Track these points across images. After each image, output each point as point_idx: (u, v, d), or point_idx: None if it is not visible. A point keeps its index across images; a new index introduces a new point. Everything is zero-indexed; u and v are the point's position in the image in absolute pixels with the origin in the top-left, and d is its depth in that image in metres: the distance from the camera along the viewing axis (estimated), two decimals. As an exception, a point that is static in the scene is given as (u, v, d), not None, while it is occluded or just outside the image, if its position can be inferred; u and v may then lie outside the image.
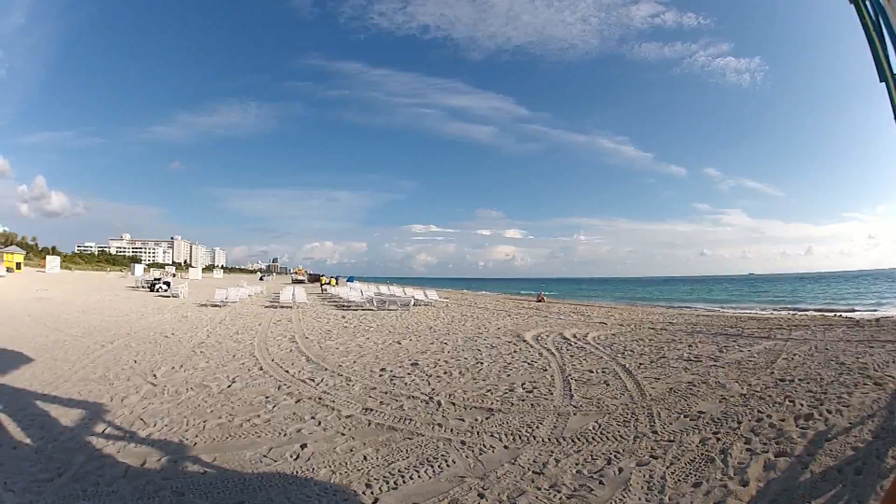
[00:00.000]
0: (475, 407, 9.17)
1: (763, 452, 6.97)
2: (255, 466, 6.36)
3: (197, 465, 6.37)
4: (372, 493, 5.68)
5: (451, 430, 7.88)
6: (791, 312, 35.92)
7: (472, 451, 6.95)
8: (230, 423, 7.83)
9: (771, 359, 14.14)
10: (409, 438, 7.43)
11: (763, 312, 37.42)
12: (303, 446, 7.00)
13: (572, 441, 7.44)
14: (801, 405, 9.20)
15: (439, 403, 9.31)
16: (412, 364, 13.17)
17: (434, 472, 6.27)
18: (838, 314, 31.42)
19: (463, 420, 8.37)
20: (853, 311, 37.60)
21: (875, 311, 36.96)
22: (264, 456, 6.67)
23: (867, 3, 4.13)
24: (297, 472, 6.19)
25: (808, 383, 10.97)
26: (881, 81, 6.51)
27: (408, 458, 6.68)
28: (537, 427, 8.03)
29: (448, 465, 6.46)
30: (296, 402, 9.04)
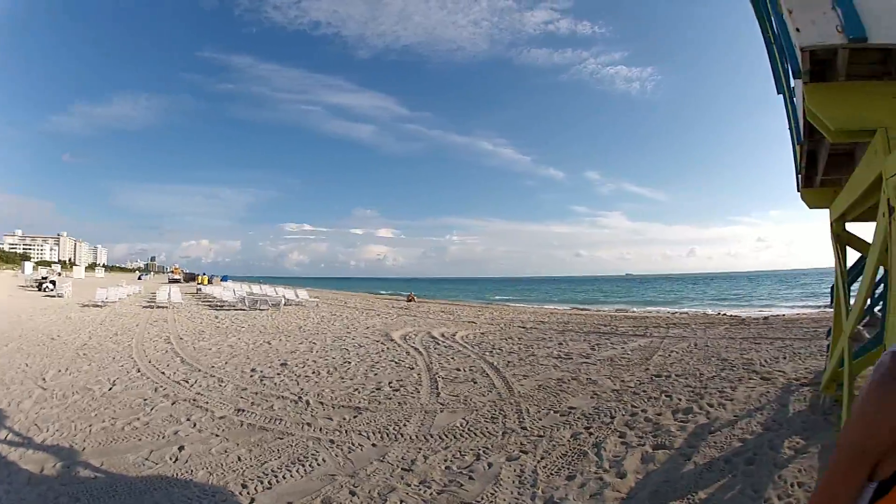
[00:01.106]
0: (343, 406, 9.29)
1: (639, 445, 7.19)
2: (138, 470, 6.30)
3: (88, 471, 6.30)
4: (248, 493, 5.71)
5: (321, 429, 7.97)
6: (671, 311, 37.28)
7: (342, 450, 7.03)
8: (113, 427, 7.76)
9: (646, 356, 14.67)
10: (281, 438, 7.50)
11: (640, 311, 38.59)
12: (180, 448, 6.97)
13: (440, 438, 7.60)
14: (679, 399, 9.55)
15: (308, 403, 9.42)
16: (282, 364, 13.30)
17: (305, 470, 6.35)
18: (722, 313, 32.94)
19: (331, 419, 8.47)
20: (738, 309, 39.62)
21: (763, 310, 38.78)
22: (146, 459, 6.62)
23: (773, 19, 4.44)
24: (177, 475, 6.14)
25: (686, 378, 11.41)
26: (779, 94, 6.80)
27: (280, 457, 6.75)
28: (405, 425, 8.20)
29: (319, 464, 6.54)
30: (172, 405, 8.97)
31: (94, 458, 6.62)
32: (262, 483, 5.98)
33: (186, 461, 6.55)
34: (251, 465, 6.45)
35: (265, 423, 8.17)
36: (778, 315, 29.24)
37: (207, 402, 9.13)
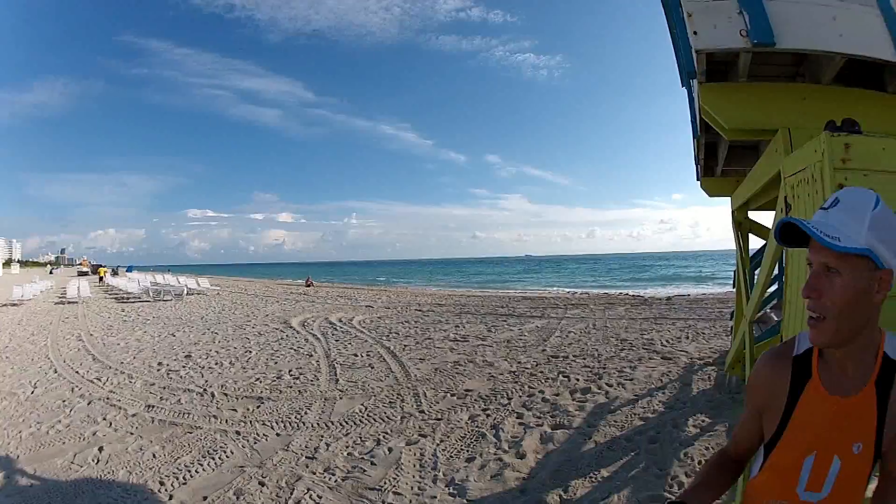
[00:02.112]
0: (246, 396, 9.45)
1: (538, 426, 7.46)
2: (67, 474, 6.30)
3: (25, 479, 6.31)
4: (166, 490, 5.78)
5: (226, 420, 8.11)
6: (570, 292, 38.06)
7: (248, 441, 7.19)
8: (39, 432, 7.77)
9: (543, 337, 15.15)
10: (190, 432, 7.59)
11: (538, 292, 39.21)
12: (100, 449, 6.98)
13: (340, 425, 7.80)
14: (577, 380, 9.88)
15: (213, 395, 9.54)
16: (186, 356, 13.45)
17: (216, 463, 6.45)
18: (623, 293, 33.75)
19: (236, 410, 8.60)
20: (641, 290, 40.35)
21: (666, 289, 40.30)
22: (72, 462, 6.62)
23: (675, 12, 4.58)
24: (101, 476, 6.18)
25: (584, 359, 11.85)
26: (683, 87, 7.17)
27: (191, 452, 6.83)
28: (306, 413, 8.39)
29: (228, 456, 6.66)
30: (88, 405, 8.98)
31: (28, 465, 6.63)
32: (177, 479, 6.03)
33: (107, 462, 6.57)
34: (166, 462, 6.52)
35: (174, 418, 8.25)
36: (682, 295, 30.00)
37: (120, 400, 9.18)
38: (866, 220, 1.57)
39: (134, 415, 8.42)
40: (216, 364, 12.35)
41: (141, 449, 6.96)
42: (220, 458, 6.62)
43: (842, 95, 4.29)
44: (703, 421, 7.25)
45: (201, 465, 6.41)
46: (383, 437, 7.25)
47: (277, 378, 10.79)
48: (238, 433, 7.49)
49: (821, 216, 1.63)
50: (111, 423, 8.01)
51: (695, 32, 3.71)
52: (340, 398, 9.19)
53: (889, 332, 1.78)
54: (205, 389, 9.91)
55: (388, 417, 8.09)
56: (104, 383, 10.47)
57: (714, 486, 2.03)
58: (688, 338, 14.34)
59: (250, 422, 8.01)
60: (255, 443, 7.11)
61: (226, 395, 9.56)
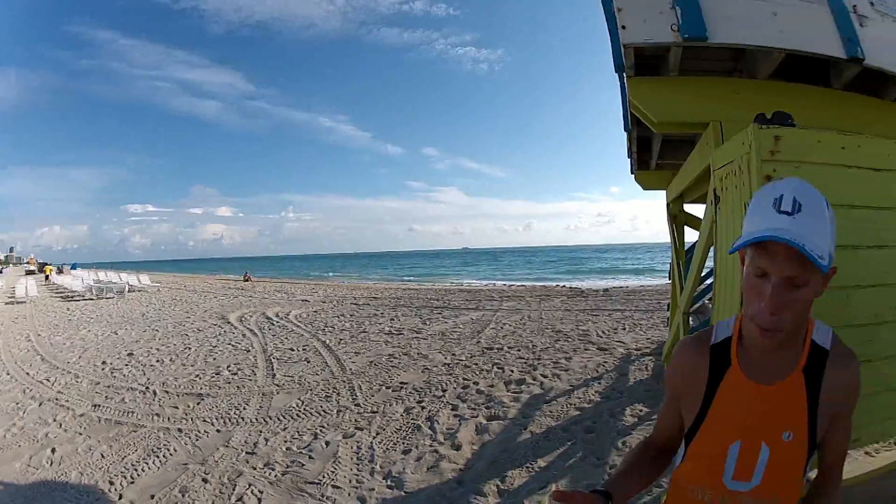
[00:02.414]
0: (187, 393, 9.57)
1: (473, 417, 7.65)
2: (25, 477, 6.35)
3: None
4: (115, 489, 5.84)
5: (169, 418, 8.18)
6: (506, 284, 38.59)
7: (190, 438, 7.28)
8: None
9: (478, 329, 15.49)
10: (135, 431, 7.65)
11: (474, 285, 39.62)
12: (53, 451, 7.03)
13: (278, 419, 7.96)
14: (512, 371, 10.08)
15: (155, 393, 9.63)
16: (128, 354, 13.51)
17: (161, 461, 6.54)
18: (561, 285, 34.06)
19: (177, 407, 8.69)
20: (578, 282, 41.07)
21: (604, 281, 40.98)
22: (28, 465, 6.65)
23: (609, 6, 4.47)
24: (55, 478, 6.23)
25: (518, 351, 12.11)
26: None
27: (137, 450, 6.89)
28: (244, 408, 8.52)
29: (171, 454, 6.75)
30: (39, 406, 9.06)
31: (-9, 469, 6.66)
32: (125, 478, 6.09)
33: (60, 463, 6.62)
34: (114, 461, 6.57)
35: (120, 417, 8.32)
36: (619, 287, 30.66)
37: (68, 400, 9.27)
38: (828, 226, 1.56)
39: (82, 415, 8.49)
40: (157, 361, 12.47)
41: (90, 449, 7.03)
42: (164, 455, 6.71)
43: (778, 90, 4.36)
44: (640, 410, 7.44)
45: (147, 463, 6.50)
46: (320, 430, 7.40)
47: (216, 374, 10.94)
48: (180, 430, 7.62)
49: (788, 224, 1.51)
50: (61, 424, 8.09)
51: (623, 27, 3.71)
52: (277, 393, 9.36)
53: (817, 320, 1.80)
54: (147, 387, 10.02)
55: (324, 411, 8.24)
56: (52, 384, 10.55)
57: (637, 475, 2.07)
58: (625, 328, 14.58)
59: (191, 419, 8.12)
60: (197, 439, 7.23)
61: (167, 392, 9.67)
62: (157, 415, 8.39)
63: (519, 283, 40.69)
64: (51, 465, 6.67)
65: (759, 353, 1.73)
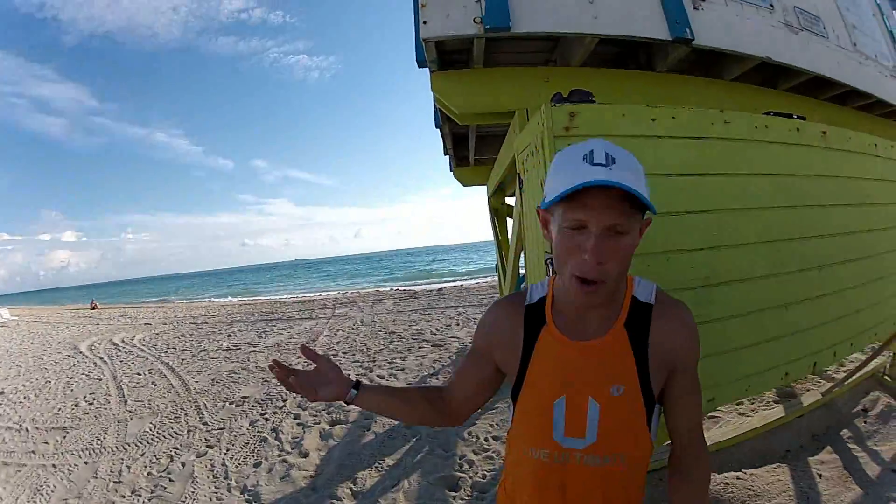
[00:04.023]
0: (54, 428, 9.60)
1: (315, 424, 8.00)
2: None
3: None
4: None
5: (43, 454, 8.23)
6: (339, 292, 39.43)
7: (64, 473, 7.37)
8: None
9: (312, 337, 16.56)
10: (19, 470, 7.69)
11: (308, 295, 40.20)
12: None
13: (136, 445, 8.10)
14: (348, 375, 10.63)
15: (27, 430, 9.64)
16: (0, 393, 13.32)
17: (45, 499, 6.65)
18: (395, 289, 35.49)
19: (48, 443, 8.73)
20: (413, 284, 42.91)
21: (439, 283, 41.55)
22: None
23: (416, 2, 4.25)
24: None
25: (353, 354, 12.86)
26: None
27: (24, 489, 6.97)
28: (104, 437, 8.65)
29: (52, 490, 6.85)
30: None
31: None
32: None
33: None
34: (8, 502, 6.67)
35: (5, 458, 8.28)
36: (453, 286, 31.89)
37: None
38: (643, 178, 1.60)
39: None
40: (25, 398, 12.45)
41: (-9, 493, 7.12)
42: (47, 493, 6.84)
43: (593, 75, 4.41)
44: (481, 400, 8.29)
45: (34, 502, 6.65)
46: (175, 452, 7.65)
47: (75, 406, 11.07)
48: (55, 466, 7.69)
49: (605, 174, 1.51)
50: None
51: (424, 22, 3.65)
52: (131, 419, 9.56)
53: (638, 277, 1.89)
54: (20, 425, 10.03)
55: (175, 433, 8.49)
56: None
57: (400, 395, 2.17)
58: (458, 324, 15.63)
59: (62, 453, 8.19)
60: (70, 473, 7.35)
61: (37, 428, 9.71)
62: (33, 452, 8.45)
63: (352, 290, 41.45)
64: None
65: (574, 311, 1.81)
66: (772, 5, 4.58)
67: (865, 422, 5.72)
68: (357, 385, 2.11)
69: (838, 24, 5.36)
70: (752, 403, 6.35)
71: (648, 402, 1.78)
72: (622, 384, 1.75)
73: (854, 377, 6.05)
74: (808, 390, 6.44)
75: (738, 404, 6.34)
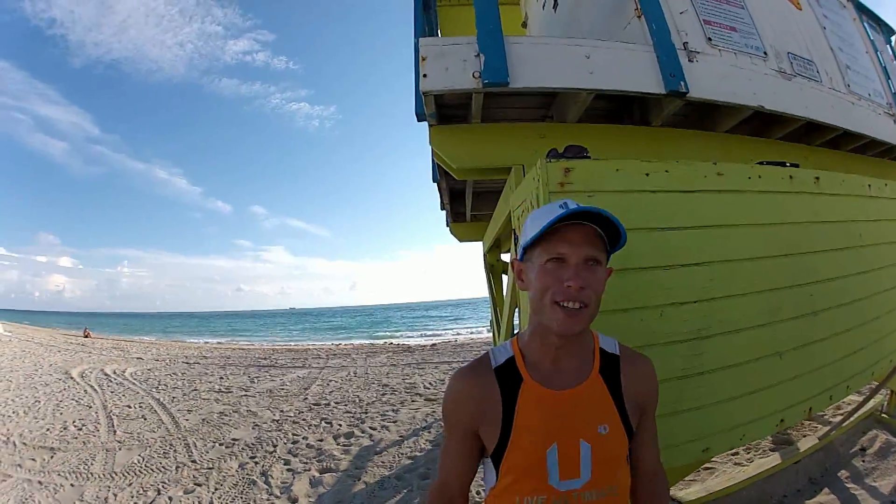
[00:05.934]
0: (41, 446, 9.55)
1: (306, 471, 7.84)
2: None
3: None
4: None
5: (30, 470, 8.24)
6: (333, 343, 38.71)
7: (49, 491, 7.33)
8: None
9: (304, 386, 15.94)
10: (4, 481, 7.69)
11: (301, 344, 39.87)
12: None
13: (123, 475, 7.96)
14: (340, 425, 10.40)
15: (15, 444, 9.62)
16: None
17: None
18: (389, 342, 34.89)
19: (35, 460, 8.73)
20: (407, 338, 41.53)
21: (433, 337, 40.63)
22: None
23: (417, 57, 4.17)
24: None
25: (346, 405, 12.48)
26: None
27: (9, 500, 6.97)
28: (92, 463, 8.53)
29: None
30: None
31: None
32: None
33: None
34: None
35: None
36: (448, 341, 31.15)
37: None
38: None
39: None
40: (13, 413, 12.45)
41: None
42: None
43: (588, 131, 4.41)
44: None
45: None
46: (162, 486, 7.48)
47: (64, 429, 10.96)
48: (41, 483, 7.68)
49: (582, 205, 1.72)
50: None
51: (424, 75, 3.69)
52: (120, 449, 9.39)
53: (599, 332, 2.03)
54: (8, 438, 10.04)
55: (164, 467, 8.30)
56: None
57: None
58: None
59: (48, 471, 8.16)
60: (56, 492, 7.29)
61: (25, 444, 9.69)
62: (20, 466, 8.47)
63: (346, 342, 40.72)
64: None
65: (549, 364, 1.90)
66: (765, 53, 4.66)
67: (864, 461, 5.77)
68: None
69: (831, 66, 5.47)
70: (748, 452, 6.33)
71: (629, 436, 1.93)
72: (606, 423, 1.87)
73: (851, 419, 6.14)
74: (804, 436, 6.46)
75: (733, 454, 6.34)
